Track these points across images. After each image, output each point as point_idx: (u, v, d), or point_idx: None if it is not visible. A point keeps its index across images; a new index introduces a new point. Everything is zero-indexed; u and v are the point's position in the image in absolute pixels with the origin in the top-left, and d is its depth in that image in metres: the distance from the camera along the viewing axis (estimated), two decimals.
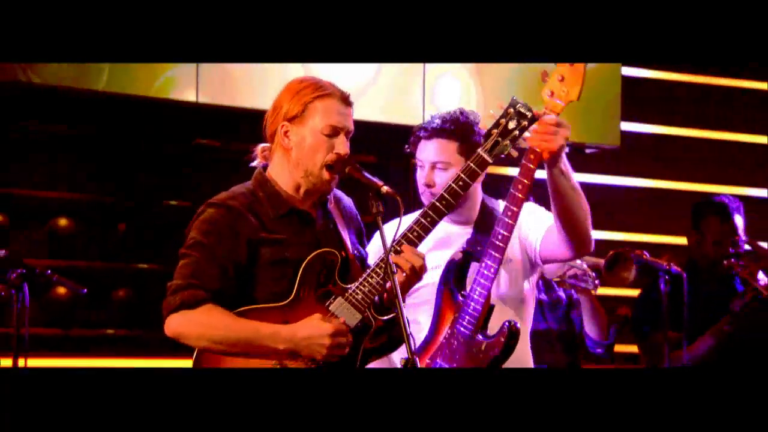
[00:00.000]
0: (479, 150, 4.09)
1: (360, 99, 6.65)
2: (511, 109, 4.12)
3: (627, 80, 7.63)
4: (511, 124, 4.11)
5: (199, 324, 3.90)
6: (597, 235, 6.17)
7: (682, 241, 7.10)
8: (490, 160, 4.10)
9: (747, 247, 6.05)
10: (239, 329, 3.91)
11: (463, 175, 4.06)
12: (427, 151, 4.58)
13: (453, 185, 4.05)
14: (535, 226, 4.58)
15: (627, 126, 7.67)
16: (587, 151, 7.54)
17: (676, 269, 5.73)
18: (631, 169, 7.94)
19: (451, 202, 4.05)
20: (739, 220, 6.06)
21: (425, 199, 4.55)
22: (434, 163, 4.56)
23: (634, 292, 6.62)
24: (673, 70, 8.17)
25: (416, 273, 3.92)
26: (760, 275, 5.83)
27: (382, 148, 7.27)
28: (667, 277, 5.72)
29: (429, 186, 4.55)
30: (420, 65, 7.02)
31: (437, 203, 4.03)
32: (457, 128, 4.54)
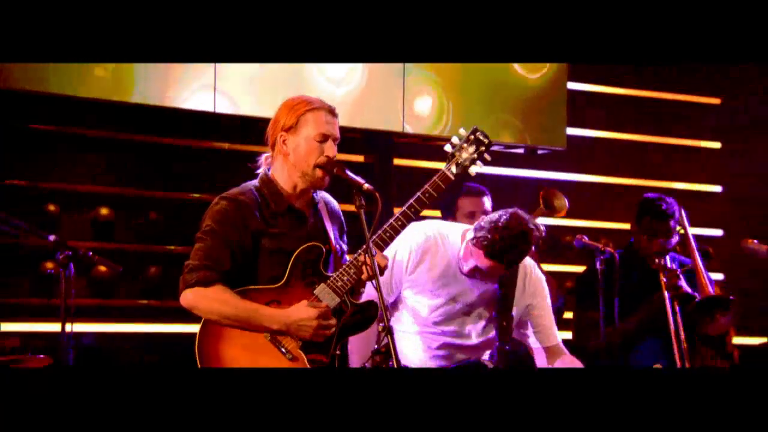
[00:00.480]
0: (443, 168, 4.15)
1: (351, 109, 6.70)
2: (472, 136, 4.19)
3: (571, 93, 7.60)
4: (471, 149, 4.17)
5: (210, 300, 3.91)
6: (547, 221, 6.18)
7: (616, 226, 7.09)
8: (453, 177, 4.14)
9: (680, 231, 5.99)
10: (243, 309, 3.94)
11: (429, 189, 4.11)
12: (487, 265, 4.40)
13: (420, 196, 4.10)
14: (543, 327, 4.67)
15: (572, 131, 7.63)
16: (539, 152, 7.50)
17: (610, 251, 5.68)
18: (575, 167, 7.92)
19: (418, 210, 4.11)
20: (673, 223, 6.01)
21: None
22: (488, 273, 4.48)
23: (581, 268, 6.58)
24: (608, 85, 8.16)
25: (380, 270, 3.92)
26: (683, 282, 5.75)
27: (369, 150, 7.26)
28: (602, 257, 5.68)
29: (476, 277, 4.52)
30: (401, 82, 6.97)
31: (407, 210, 4.11)
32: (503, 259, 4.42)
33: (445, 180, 4.11)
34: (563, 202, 5.77)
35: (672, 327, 5.53)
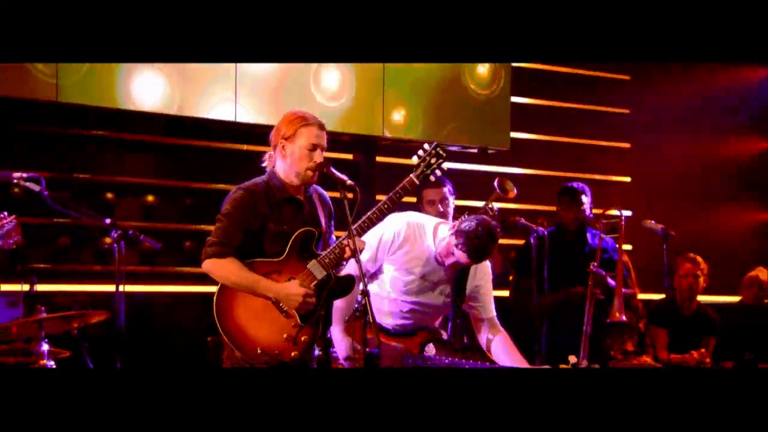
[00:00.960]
0: (411, 175, 4.19)
1: (342, 118, 6.69)
2: (433, 151, 4.18)
3: (514, 105, 7.59)
4: (433, 161, 4.17)
5: (223, 269, 3.93)
6: (497, 206, 6.13)
7: (548, 208, 7.06)
8: (417, 182, 4.15)
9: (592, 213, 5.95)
10: (247, 278, 3.94)
11: (399, 190, 4.13)
12: (466, 262, 4.37)
13: (392, 196, 4.12)
14: (485, 303, 4.59)
15: (514, 135, 7.63)
16: (489, 151, 7.49)
17: (542, 230, 5.66)
18: (516, 162, 7.91)
19: (391, 207, 4.11)
20: (585, 199, 5.99)
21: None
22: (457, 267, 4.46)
23: (522, 242, 6.55)
24: (542, 99, 8.15)
25: (358, 252, 3.91)
26: (609, 280, 5.66)
27: (356, 150, 7.24)
28: (535, 234, 5.66)
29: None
30: (381, 97, 6.94)
31: (382, 206, 4.13)
32: (477, 258, 4.38)
33: (412, 185, 4.14)
34: (512, 186, 5.76)
35: (585, 323, 5.43)
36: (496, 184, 5.72)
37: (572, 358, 4.27)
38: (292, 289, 3.94)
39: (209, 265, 3.97)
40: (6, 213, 4.74)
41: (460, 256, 4.30)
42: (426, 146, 4.18)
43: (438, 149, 4.16)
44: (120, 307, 5.04)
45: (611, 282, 5.60)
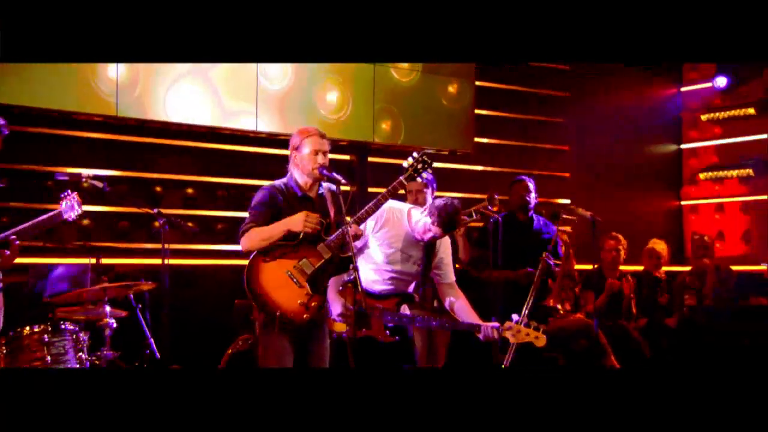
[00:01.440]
0: (400, 177, 4.10)
1: (341, 127, 6.74)
2: (420, 157, 4.13)
3: (477, 115, 7.64)
4: (419, 166, 4.12)
5: (251, 238, 4.04)
6: (459, 195, 6.15)
7: (502, 197, 7.10)
8: (406, 183, 4.11)
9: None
10: (268, 229, 4.00)
11: (390, 189, 4.11)
12: (440, 235, 4.37)
13: (385, 194, 4.11)
14: (447, 271, 4.57)
15: (478, 139, 7.67)
16: (458, 153, 7.54)
17: (495, 216, 5.70)
18: (479, 161, 7.93)
19: (383, 202, 4.10)
20: (531, 186, 6.03)
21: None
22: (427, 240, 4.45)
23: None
24: (499, 111, 8.18)
25: (357, 237, 4.00)
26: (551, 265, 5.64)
27: (352, 153, 7.27)
28: (491, 220, 5.71)
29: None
30: (371, 110, 6.99)
31: (377, 201, 4.09)
32: (448, 229, 4.38)
33: (401, 185, 4.09)
34: (497, 202, 5.78)
35: (528, 299, 5.34)
36: (487, 197, 5.73)
37: (515, 317, 4.34)
38: (299, 215, 4.00)
39: (243, 242, 4.02)
40: (69, 190, 4.55)
41: (436, 231, 4.37)
42: (415, 154, 4.12)
43: (424, 157, 4.10)
44: (166, 277, 5.10)
45: (556, 270, 5.65)
